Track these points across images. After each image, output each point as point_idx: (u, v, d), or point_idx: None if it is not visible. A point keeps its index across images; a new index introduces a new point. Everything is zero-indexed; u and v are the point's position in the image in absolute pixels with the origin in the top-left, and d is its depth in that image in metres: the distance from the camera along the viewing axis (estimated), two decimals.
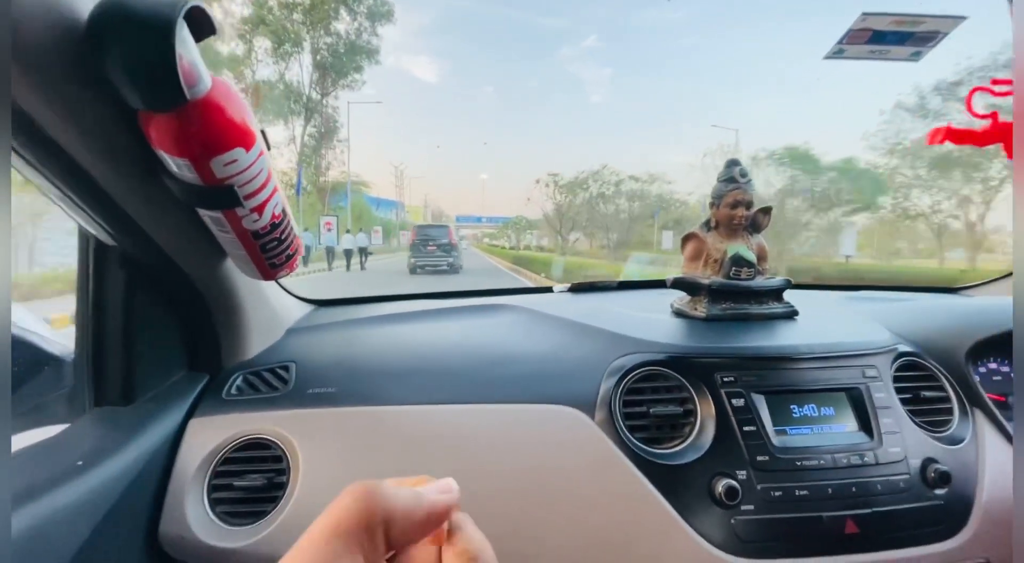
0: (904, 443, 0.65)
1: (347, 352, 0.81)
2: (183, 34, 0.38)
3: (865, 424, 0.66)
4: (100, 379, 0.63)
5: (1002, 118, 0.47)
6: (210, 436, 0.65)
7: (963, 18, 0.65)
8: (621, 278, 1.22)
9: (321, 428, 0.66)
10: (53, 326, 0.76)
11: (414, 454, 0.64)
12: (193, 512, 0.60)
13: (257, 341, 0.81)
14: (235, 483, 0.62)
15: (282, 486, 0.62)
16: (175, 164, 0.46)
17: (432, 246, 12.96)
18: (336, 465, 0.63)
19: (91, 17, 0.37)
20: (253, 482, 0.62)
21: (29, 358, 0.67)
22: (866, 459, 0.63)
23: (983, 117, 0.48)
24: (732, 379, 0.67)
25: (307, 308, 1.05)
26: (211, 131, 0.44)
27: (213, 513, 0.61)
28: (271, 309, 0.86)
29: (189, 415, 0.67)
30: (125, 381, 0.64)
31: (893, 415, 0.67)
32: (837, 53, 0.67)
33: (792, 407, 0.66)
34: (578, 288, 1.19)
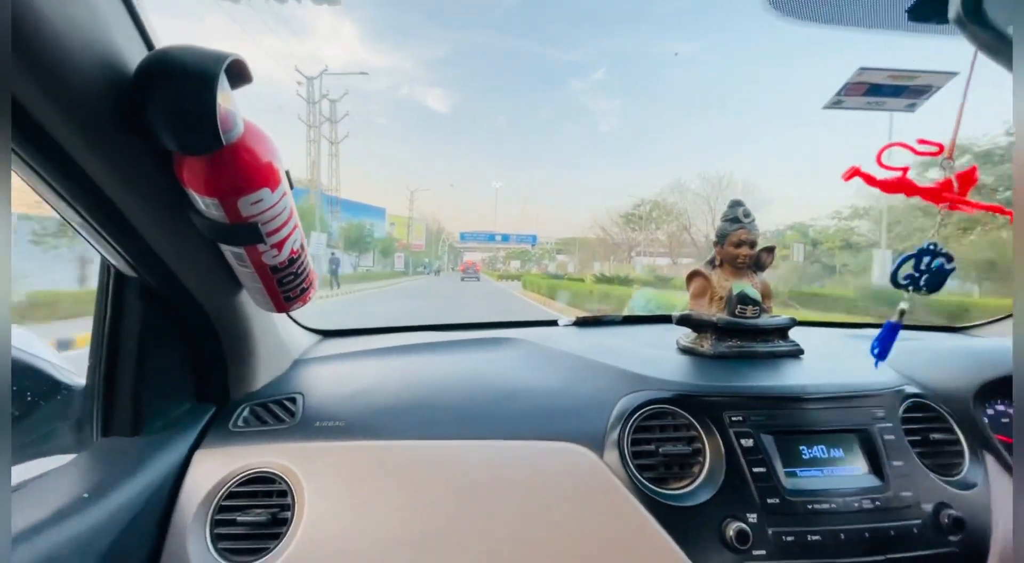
0: (915, 487, 0.65)
1: (354, 384, 0.81)
2: (223, 84, 0.41)
3: (876, 467, 0.66)
4: (109, 409, 0.63)
5: (910, 174, 0.53)
6: (215, 469, 0.64)
7: (954, 74, 0.68)
8: (626, 312, 1.23)
9: (327, 462, 0.65)
10: (78, 345, 0.76)
11: (421, 490, 0.63)
12: (195, 549, 0.59)
13: (265, 372, 0.81)
14: (239, 518, 0.61)
15: (286, 522, 0.61)
16: (203, 203, 0.48)
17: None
18: (341, 500, 0.62)
19: (140, 68, 0.40)
20: (257, 518, 0.61)
21: (38, 385, 0.67)
22: (878, 503, 0.62)
23: (894, 169, 0.53)
24: (741, 418, 0.67)
25: (314, 338, 1.06)
26: (241, 173, 0.46)
27: (215, 550, 0.60)
28: (279, 340, 0.86)
29: (195, 446, 0.67)
30: (134, 412, 0.64)
31: (903, 458, 0.67)
32: (836, 103, 0.70)
33: (801, 448, 0.66)
34: (583, 322, 1.19)
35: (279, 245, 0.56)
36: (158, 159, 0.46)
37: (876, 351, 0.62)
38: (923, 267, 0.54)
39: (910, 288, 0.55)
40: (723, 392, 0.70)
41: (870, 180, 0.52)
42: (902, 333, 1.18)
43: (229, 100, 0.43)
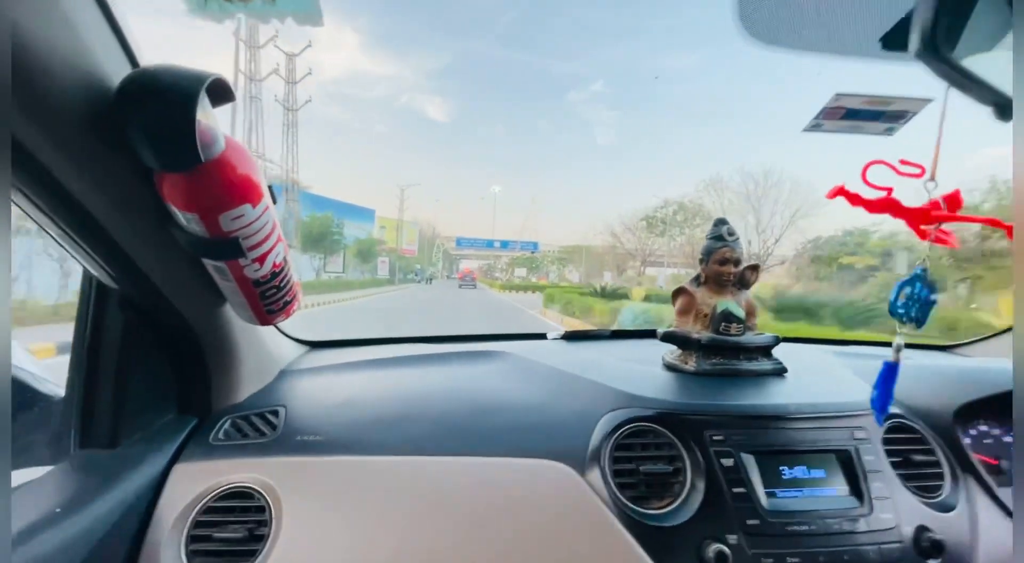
0: (896, 509, 0.65)
1: (337, 397, 0.81)
2: (203, 102, 0.42)
3: (856, 488, 0.66)
4: (87, 421, 0.63)
5: (895, 194, 0.51)
6: (193, 483, 0.64)
7: (929, 100, 0.70)
8: (615, 327, 1.24)
9: (307, 478, 0.65)
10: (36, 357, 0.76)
11: (399, 507, 0.63)
12: None
13: (249, 384, 0.81)
14: (215, 534, 0.60)
15: (263, 538, 0.61)
16: (184, 217, 0.48)
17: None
18: (319, 517, 0.62)
19: (121, 87, 0.41)
20: (233, 534, 0.60)
21: (16, 396, 0.67)
22: (858, 525, 0.62)
23: (878, 188, 0.51)
24: (721, 438, 0.67)
25: (301, 349, 1.06)
26: (221, 189, 0.47)
27: None
28: (265, 351, 0.86)
29: (174, 460, 0.66)
30: (112, 424, 0.64)
31: (884, 479, 0.67)
32: (815, 126, 0.71)
33: (782, 468, 0.66)
34: (572, 336, 1.20)
35: (261, 259, 0.56)
36: (141, 175, 0.47)
37: (876, 403, 0.56)
38: (915, 295, 0.51)
39: (904, 319, 0.51)
40: (704, 410, 0.70)
41: (855, 199, 0.50)
42: (886, 350, 1.19)
43: (210, 117, 0.44)
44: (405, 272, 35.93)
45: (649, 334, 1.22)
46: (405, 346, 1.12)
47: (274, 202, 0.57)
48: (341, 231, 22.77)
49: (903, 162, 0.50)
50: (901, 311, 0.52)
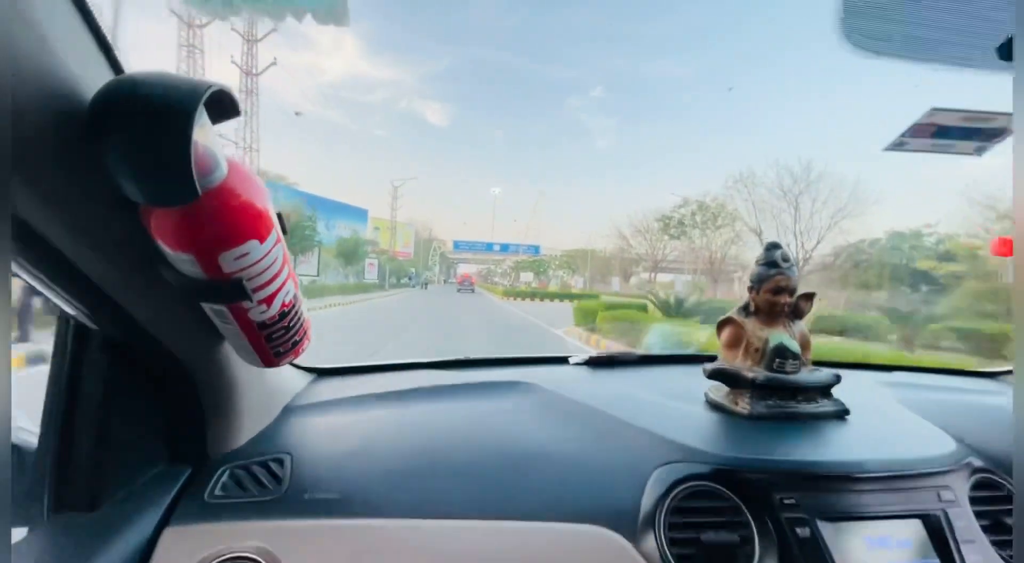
0: None
1: (349, 443, 0.72)
2: (202, 119, 0.33)
3: (947, 560, 0.57)
4: (63, 480, 0.54)
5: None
6: (186, 553, 0.55)
7: None
8: (641, 351, 1.15)
9: (318, 547, 0.56)
10: None
11: None
12: None
13: (250, 425, 0.72)
14: None
15: None
16: (177, 258, 0.40)
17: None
18: None
19: (95, 101, 0.32)
20: None
21: None
22: None
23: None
24: (793, 502, 0.58)
25: (306, 378, 0.97)
26: (223, 224, 0.38)
27: None
28: (267, 387, 0.77)
29: (164, 522, 0.58)
30: (93, 482, 0.55)
31: (979, 550, 0.58)
32: (899, 145, 0.64)
33: (865, 538, 0.57)
34: (596, 362, 1.11)
35: (268, 300, 0.48)
36: (121, 208, 0.38)
37: None
38: None
39: None
40: (771, 468, 0.61)
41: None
42: (937, 378, 1.10)
43: (209, 138, 0.35)
44: (399, 276, 32.86)
45: (681, 359, 1.14)
46: (418, 373, 1.04)
47: (284, 233, 0.48)
48: (314, 226, 18.75)
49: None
50: None
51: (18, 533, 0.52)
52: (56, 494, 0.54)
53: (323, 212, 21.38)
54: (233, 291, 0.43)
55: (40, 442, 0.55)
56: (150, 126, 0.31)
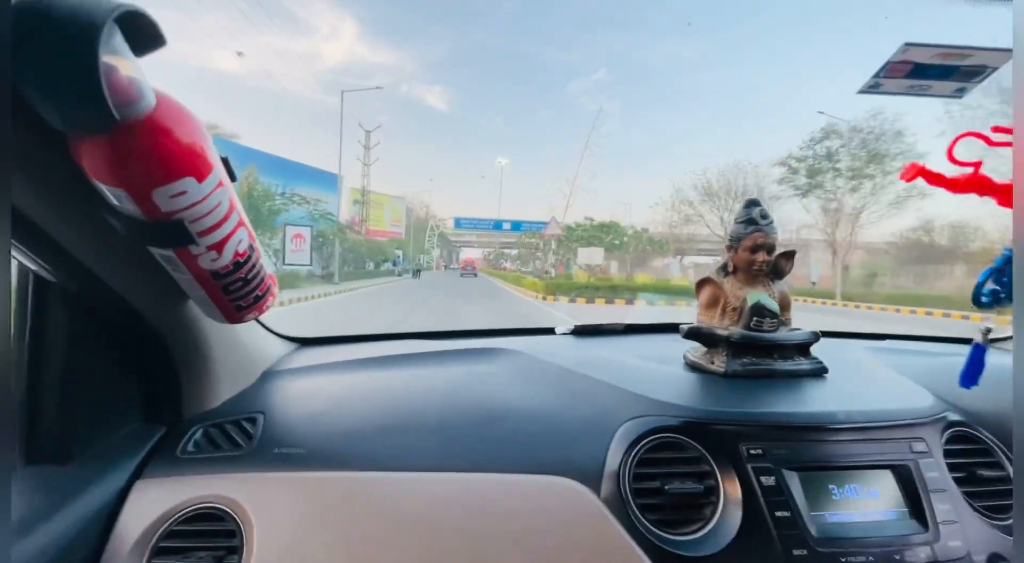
0: (964, 534, 0.55)
1: (323, 402, 0.73)
2: (115, 43, 0.32)
3: (917, 510, 0.57)
4: (32, 432, 0.55)
5: (983, 170, 0.44)
6: (156, 503, 0.56)
7: (1010, 51, 0.59)
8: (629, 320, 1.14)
9: (284, 497, 0.57)
10: None
11: (390, 531, 0.54)
12: None
13: (226, 387, 0.72)
14: None
15: None
16: (113, 195, 0.39)
17: None
18: (297, 544, 0.54)
19: (9, 19, 0.31)
20: None
21: None
22: (922, 555, 0.53)
23: (965, 165, 0.45)
24: (760, 452, 0.58)
25: (289, 347, 0.98)
26: (153, 158, 0.38)
27: None
28: (244, 351, 0.78)
29: (135, 476, 0.59)
30: (62, 435, 0.56)
31: (949, 500, 0.57)
32: (873, 87, 0.61)
33: (831, 487, 0.57)
34: (582, 331, 1.10)
35: (218, 246, 0.47)
36: (55, 142, 0.38)
37: (964, 380, 0.57)
38: (1006, 280, 0.45)
39: (994, 306, 0.47)
40: (739, 420, 0.61)
41: (935, 179, 0.44)
42: (927, 345, 1.08)
43: (130, 66, 0.34)
44: (378, 260, 24.00)
45: (666, 328, 1.12)
46: (403, 343, 1.04)
47: (232, 179, 0.48)
48: (270, 193, 13.18)
49: (996, 129, 0.42)
50: (988, 300, 0.48)
51: None
52: (27, 445, 0.55)
53: (277, 175, 15.88)
54: (175, 232, 0.43)
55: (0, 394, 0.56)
56: (58, 43, 0.30)
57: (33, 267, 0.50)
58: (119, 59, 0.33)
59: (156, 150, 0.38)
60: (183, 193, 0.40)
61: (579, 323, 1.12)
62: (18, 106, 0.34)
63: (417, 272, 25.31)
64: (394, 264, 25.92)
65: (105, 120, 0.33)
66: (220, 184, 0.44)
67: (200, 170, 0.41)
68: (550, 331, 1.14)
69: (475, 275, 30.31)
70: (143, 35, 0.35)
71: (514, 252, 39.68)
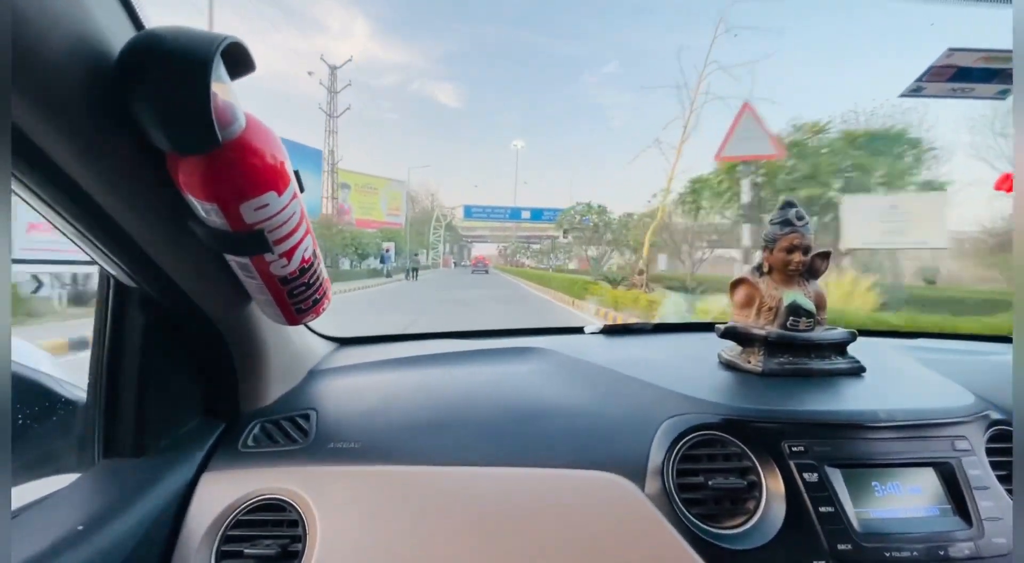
0: (1008, 532, 0.56)
1: (371, 399, 0.76)
2: (219, 72, 0.35)
3: (961, 508, 0.58)
4: (111, 428, 0.59)
5: None
6: (222, 494, 0.59)
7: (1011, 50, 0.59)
8: (657, 319, 1.16)
9: (342, 489, 0.60)
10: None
11: (444, 521, 0.57)
12: None
13: (277, 385, 0.76)
14: (246, 550, 0.56)
15: (297, 555, 0.56)
16: (202, 208, 0.42)
17: None
18: (357, 532, 0.57)
19: (122, 54, 0.34)
20: (265, 550, 0.56)
21: (38, 401, 0.63)
22: (966, 551, 0.54)
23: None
24: (802, 449, 0.59)
25: (330, 347, 1.01)
26: (243, 175, 0.41)
27: None
28: (293, 350, 0.81)
29: (202, 468, 0.62)
30: (137, 431, 0.60)
31: (993, 497, 0.58)
32: (915, 90, 0.62)
33: (873, 484, 0.58)
34: (611, 330, 1.12)
35: (288, 254, 0.50)
36: (151, 159, 0.41)
37: None
38: None
39: None
40: (780, 417, 0.62)
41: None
42: (962, 344, 1.07)
43: (227, 91, 0.37)
44: (354, 258, 19.41)
45: (696, 327, 1.14)
46: (439, 342, 1.07)
47: (301, 190, 0.51)
48: None
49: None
50: None
51: (69, 479, 0.57)
52: (106, 441, 0.59)
53: None
54: (255, 242, 0.46)
55: (88, 394, 0.60)
56: (173, 75, 0.33)
57: (114, 272, 0.54)
58: (221, 85, 0.36)
59: (246, 168, 0.41)
60: (265, 206, 0.43)
61: (608, 324, 1.14)
62: (116, 125, 0.38)
63: (414, 271, 20.15)
64: (382, 261, 20.79)
65: (210, 143, 0.36)
66: (295, 196, 0.47)
67: (280, 184, 0.44)
68: (579, 330, 1.16)
69: (486, 272, 29.49)
70: (239, 61, 0.38)
71: (536, 246, 33.92)
